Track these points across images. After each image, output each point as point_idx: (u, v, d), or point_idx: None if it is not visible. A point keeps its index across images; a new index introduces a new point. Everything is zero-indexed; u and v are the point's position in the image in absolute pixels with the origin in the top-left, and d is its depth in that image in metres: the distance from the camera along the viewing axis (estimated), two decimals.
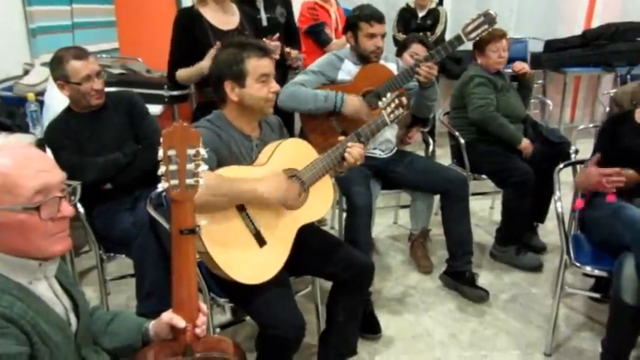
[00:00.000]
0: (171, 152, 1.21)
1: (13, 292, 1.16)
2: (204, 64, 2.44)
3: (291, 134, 2.73)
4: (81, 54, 2.30)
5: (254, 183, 1.77)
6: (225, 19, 2.63)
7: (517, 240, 3.15)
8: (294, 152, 1.99)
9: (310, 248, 2.05)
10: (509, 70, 3.39)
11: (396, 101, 2.24)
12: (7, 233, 1.15)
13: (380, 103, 2.23)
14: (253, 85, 1.88)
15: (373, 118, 2.24)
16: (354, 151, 2.05)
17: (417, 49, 3.28)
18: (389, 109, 2.23)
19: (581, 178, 2.40)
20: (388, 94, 2.24)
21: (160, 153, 1.21)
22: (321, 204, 2.03)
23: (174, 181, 1.23)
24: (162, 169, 1.22)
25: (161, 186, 1.22)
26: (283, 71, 3.05)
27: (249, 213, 1.82)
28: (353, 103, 2.63)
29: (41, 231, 1.17)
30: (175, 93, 3.78)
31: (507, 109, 3.15)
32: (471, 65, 3.27)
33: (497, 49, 3.17)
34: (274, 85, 1.93)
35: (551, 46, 5.44)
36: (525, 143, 3.09)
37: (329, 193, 2.06)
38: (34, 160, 1.18)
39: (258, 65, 1.88)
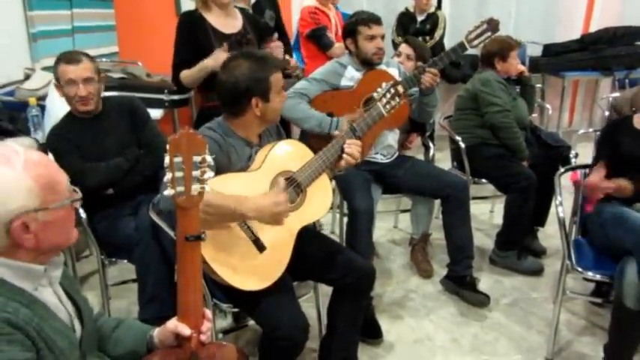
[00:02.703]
0: (178, 159, 1.21)
1: (19, 299, 1.16)
2: (209, 63, 2.44)
3: (288, 136, 2.72)
4: (72, 58, 2.30)
5: (242, 204, 1.74)
6: (228, 22, 2.64)
7: (518, 244, 3.16)
8: (289, 153, 1.98)
9: (311, 254, 2.05)
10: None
11: (392, 91, 2.18)
12: (54, 230, 1.18)
13: (375, 95, 2.19)
14: (275, 99, 1.91)
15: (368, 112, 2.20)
16: (351, 148, 2.03)
17: (403, 48, 3.33)
18: (384, 100, 2.18)
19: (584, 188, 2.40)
20: (383, 84, 2.19)
21: (166, 160, 1.21)
22: (320, 204, 2.02)
23: (180, 188, 1.23)
24: (168, 176, 1.22)
25: (167, 193, 1.22)
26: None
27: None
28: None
29: (71, 221, 1.24)
30: (175, 97, 3.78)
31: (516, 117, 3.15)
32: (484, 71, 3.25)
33: (516, 56, 3.23)
34: (285, 94, 1.96)
35: (549, 50, 5.46)
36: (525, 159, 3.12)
37: (327, 193, 2.05)
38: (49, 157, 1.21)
39: (278, 79, 1.91)
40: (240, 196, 1.76)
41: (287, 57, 2.98)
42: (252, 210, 1.74)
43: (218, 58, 2.42)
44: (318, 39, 4.06)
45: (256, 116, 1.91)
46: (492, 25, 2.60)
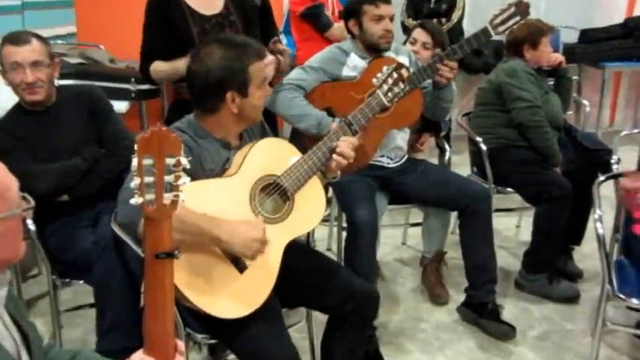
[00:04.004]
0: (147, 161, 1.21)
1: None
2: (181, 66, 2.42)
3: (275, 134, 2.72)
4: (19, 38, 2.30)
5: (217, 226, 1.75)
6: (208, 1, 2.64)
7: (549, 266, 3.17)
8: (271, 154, 1.99)
9: (302, 274, 2.05)
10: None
11: (394, 75, 2.15)
12: (0, 243, 1.19)
13: (374, 81, 2.18)
14: (255, 94, 1.91)
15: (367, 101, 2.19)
16: (344, 145, 2.02)
17: (417, 33, 3.31)
18: (385, 87, 2.16)
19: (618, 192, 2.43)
20: (384, 69, 2.17)
21: (134, 161, 1.21)
22: (312, 213, 2.02)
23: (150, 196, 1.23)
24: (135, 181, 1.22)
25: (134, 201, 1.22)
26: None
27: None
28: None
29: (20, 233, 1.24)
30: (144, 87, 3.78)
31: (548, 115, 3.17)
32: (511, 60, 3.27)
33: (548, 43, 3.24)
34: (268, 89, 1.97)
35: (587, 36, 5.49)
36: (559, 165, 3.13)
37: (319, 200, 2.05)
38: None
39: (260, 69, 1.91)
40: (215, 217, 1.76)
41: (275, 39, 2.96)
42: (226, 234, 1.75)
43: None
44: (314, 18, 4.07)
45: (232, 114, 1.91)
46: (522, 8, 2.61)
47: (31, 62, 2.28)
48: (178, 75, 2.47)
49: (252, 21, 2.70)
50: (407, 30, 4.30)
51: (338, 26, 3.96)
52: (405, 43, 3.38)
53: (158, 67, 2.58)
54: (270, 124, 2.33)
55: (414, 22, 4.21)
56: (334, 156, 2.01)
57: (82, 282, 2.36)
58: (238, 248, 1.77)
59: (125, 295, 2.20)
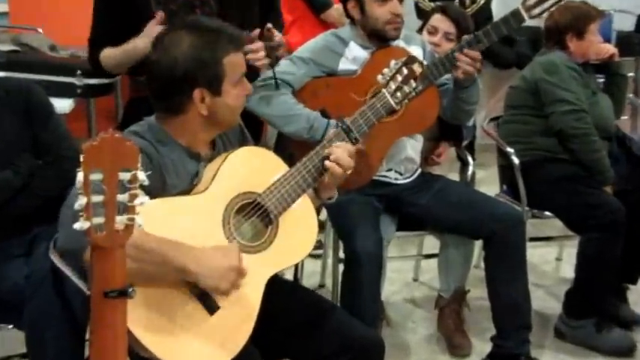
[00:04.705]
0: (96, 176, 1.22)
1: None
2: (140, 44, 2.45)
3: (257, 141, 2.72)
4: None
5: (183, 253, 1.75)
6: None
7: (598, 309, 3.18)
8: (251, 167, 2.00)
9: (287, 318, 2.06)
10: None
11: (404, 71, 2.15)
12: None
13: (379, 77, 2.18)
14: (230, 92, 1.92)
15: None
16: (340, 151, 2.02)
17: (437, 20, 3.30)
18: (392, 85, 2.16)
19: None
20: (392, 63, 2.17)
21: (79, 176, 1.22)
22: (300, 240, 2.03)
23: (99, 219, 1.24)
24: (81, 201, 1.23)
25: (79, 226, 1.23)
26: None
27: None
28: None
29: None
30: (93, 82, 3.79)
31: (596, 120, 3.19)
32: (550, 52, 3.31)
33: (597, 31, 3.27)
34: (248, 86, 1.99)
35: None
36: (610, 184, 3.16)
37: (310, 223, 2.06)
38: None
39: (237, 62, 1.93)
40: (180, 242, 1.75)
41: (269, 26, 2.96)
42: (194, 263, 1.74)
43: (152, 34, 2.43)
44: None
45: (201, 116, 1.92)
46: None
47: None
48: (135, 56, 2.48)
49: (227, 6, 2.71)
50: (423, 14, 4.32)
51: (338, 7, 3.99)
52: (420, 30, 3.39)
53: (110, 52, 2.59)
54: (252, 129, 2.34)
55: (432, 5, 4.24)
56: (327, 163, 2.01)
57: (11, 326, 2.35)
58: (210, 281, 1.76)
59: (65, 342, 2.19)
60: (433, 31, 3.29)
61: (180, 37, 1.90)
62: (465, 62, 2.64)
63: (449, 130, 3.20)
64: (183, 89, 1.89)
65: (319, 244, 3.43)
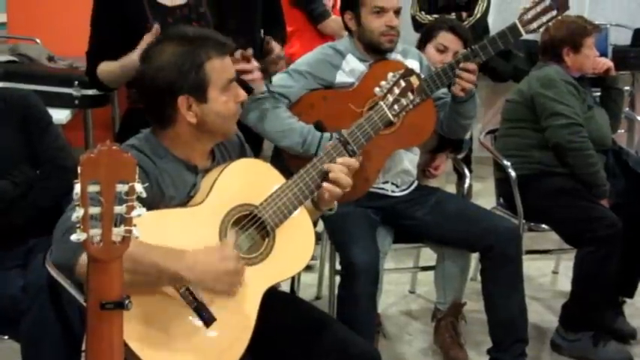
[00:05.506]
0: (93, 188, 1.22)
1: None
2: (136, 58, 2.44)
3: (257, 154, 2.72)
4: None
5: (175, 261, 1.73)
6: None
7: (594, 323, 3.17)
8: (248, 179, 2.00)
9: (284, 331, 2.05)
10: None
11: (402, 84, 2.17)
12: None
13: (377, 90, 2.19)
14: (218, 98, 1.91)
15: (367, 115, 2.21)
16: (339, 169, 2.02)
17: (448, 40, 3.29)
18: (390, 98, 2.18)
19: None
20: (389, 75, 2.19)
21: (77, 188, 1.22)
22: (297, 252, 2.03)
23: (96, 231, 1.24)
24: (78, 213, 1.23)
25: (76, 237, 1.23)
26: None
27: None
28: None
29: None
30: (90, 92, 3.78)
31: (592, 134, 3.20)
32: (546, 66, 3.32)
33: (593, 45, 3.27)
34: (241, 93, 1.97)
35: None
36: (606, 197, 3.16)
37: (307, 235, 2.06)
38: None
39: (222, 67, 1.91)
40: (172, 248, 1.75)
41: (267, 39, 2.96)
42: (187, 269, 1.73)
43: None
44: (307, 4, 4.11)
45: (190, 125, 1.91)
46: (559, 1, 2.65)
47: None
48: (133, 71, 2.47)
49: (222, 18, 2.71)
50: (419, 26, 4.33)
51: (336, 18, 3.99)
52: (420, 45, 3.37)
53: (107, 67, 2.59)
54: (252, 142, 2.34)
55: (429, 17, 4.25)
56: (325, 185, 2.02)
57: (6, 337, 2.35)
58: (209, 283, 1.77)
59: (61, 354, 2.19)
60: (443, 49, 3.27)
61: (163, 48, 1.90)
62: (463, 76, 2.65)
63: (446, 143, 3.22)
64: (168, 100, 1.88)
65: (316, 257, 3.43)
